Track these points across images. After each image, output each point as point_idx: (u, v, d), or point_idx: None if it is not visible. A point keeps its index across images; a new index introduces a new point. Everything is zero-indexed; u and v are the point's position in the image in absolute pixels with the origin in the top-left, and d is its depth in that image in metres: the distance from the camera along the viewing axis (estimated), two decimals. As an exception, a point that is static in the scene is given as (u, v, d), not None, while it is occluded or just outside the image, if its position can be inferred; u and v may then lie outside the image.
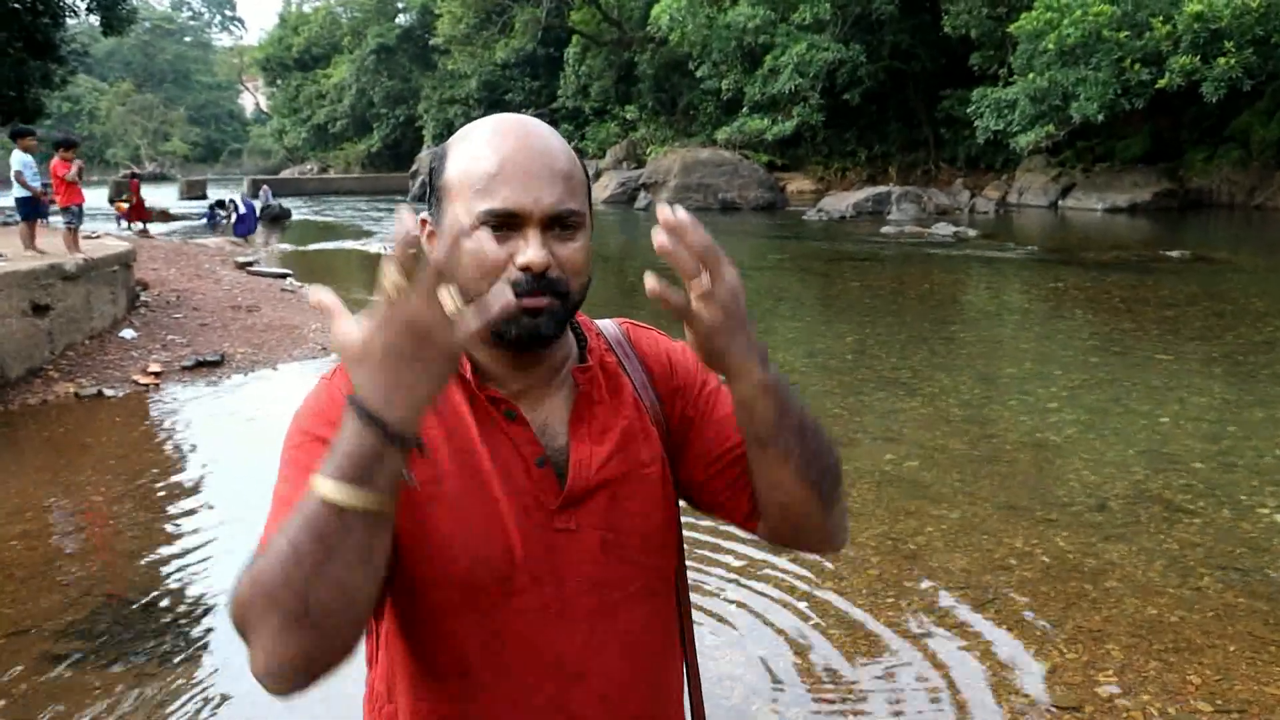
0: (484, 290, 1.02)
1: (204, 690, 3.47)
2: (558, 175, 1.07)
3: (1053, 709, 3.19)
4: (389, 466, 0.87)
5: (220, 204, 25.21)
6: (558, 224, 1.07)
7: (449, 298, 0.84)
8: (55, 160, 11.20)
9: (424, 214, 1.15)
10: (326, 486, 0.86)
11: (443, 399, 1.10)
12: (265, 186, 27.15)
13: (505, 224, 1.05)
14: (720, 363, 1.02)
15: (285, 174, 63.14)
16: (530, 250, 1.04)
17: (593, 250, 1.14)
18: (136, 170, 25.56)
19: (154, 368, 8.60)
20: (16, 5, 17.96)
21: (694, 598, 1.24)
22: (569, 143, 1.14)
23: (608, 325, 1.26)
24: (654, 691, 1.18)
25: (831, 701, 3.30)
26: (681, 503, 1.24)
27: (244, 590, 0.90)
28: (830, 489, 1.12)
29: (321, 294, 0.89)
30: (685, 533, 1.25)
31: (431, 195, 1.13)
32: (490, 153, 1.07)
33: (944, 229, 20.82)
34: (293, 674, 0.91)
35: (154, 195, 40.03)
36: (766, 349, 1.04)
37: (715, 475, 1.19)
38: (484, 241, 1.05)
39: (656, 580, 1.17)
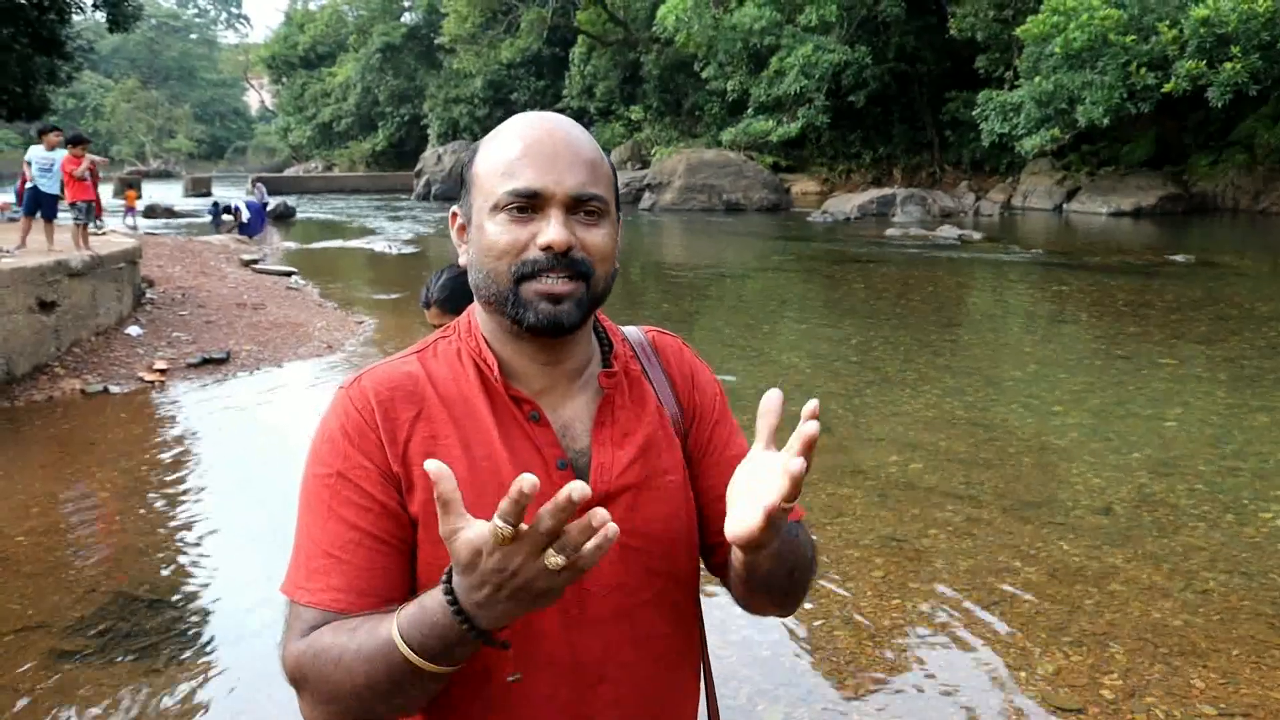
0: (502, 270, 1.07)
1: (211, 685, 3.48)
2: (581, 161, 1.08)
3: (1057, 711, 3.19)
4: (467, 650, 0.94)
5: (226, 209, 25.16)
6: (581, 208, 1.08)
7: (553, 556, 0.86)
8: (65, 157, 11.22)
9: (454, 207, 1.18)
10: (410, 653, 0.93)
11: (462, 403, 1.11)
12: (260, 184, 27.07)
13: (528, 205, 1.06)
14: (766, 534, 0.94)
15: (290, 172, 63.19)
16: (551, 229, 1.05)
17: (618, 245, 1.15)
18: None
19: (160, 365, 8.62)
20: (23, 1, 17.98)
21: (700, 598, 1.24)
22: None
23: (632, 332, 1.27)
24: (671, 696, 1.19)
25: (836, 702, 3.31)
26: None
27: (307, 668, 1.01)
28: (794, 605, 1.21)
29: (440, 475, 0.89)
30: None
31: (463, 189, 1.16)
32: (515, 139, 1.09)
33: (948, 231, 20.82)
34: None
35: (159, 192, 40.17)
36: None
37: (710, 521, 1.21)
38: (505, 222, 1.07)
39: (675, 586, 1.17)
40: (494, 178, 1.09)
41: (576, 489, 0.82)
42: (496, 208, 1.08)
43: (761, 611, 1.23)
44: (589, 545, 0.85)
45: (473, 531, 0.87)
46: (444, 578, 0.92)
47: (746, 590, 1.15)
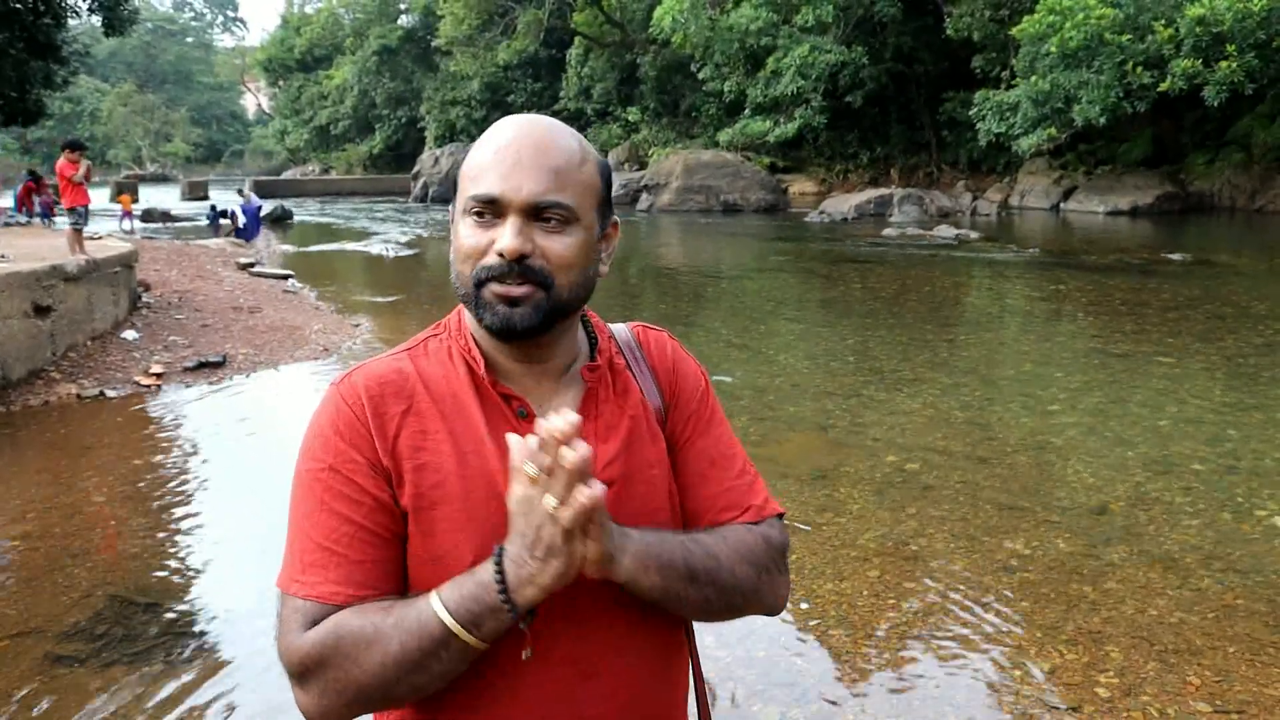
0: (466, 273, 1.11)
1: (206, 689, 3.48)
2: (546, 168, 1.09)
3: (1053, 709, 3.20)
4: (500, 625, 1.01)
5: (223, 214, 25.27)
6: (540, 215, 1.08)
7: (549, 498, 0.96)
8: (62, 161, 11.25)
9: (450, 207, 1.20)
10: (446, 617, 1.00)
11: (451, 399, 1.13)
12: (248, 192, 27.20)
13: (487, 210, 1.08)
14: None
15: (287, 175, 63.21)
16: (505, 236, 1.07)
17: (596, 251, 1.15)
18: (33, 170, 25.80)
19: (156, 369, 8.61)
20: (18, 5, 17.98)
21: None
22: None
23: (619, 328, 1.29)
24: (662, 689, 1.19)
25: (831, 702, 3.31)
26: None
27: (327, 653, 1.02)
28: (730, 613, 1.19)
29: (513, 446, 1.00)
30: None
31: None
32: (490, 144, 1.11)
33: (946, 231, 20.84)
34: None
35: (156, 196, 40.18)
36: (632, 544, 1.06)
37: (685, 509, 1.22)
38: (471, 226, 1.10)
39: None
40: (465, 181, 1.12)
41: (553, 427, 0.95)
42: (465, 211, 1.10)
43: (703, 620, 1.21)
44: (558, 479, 0.95)
45: (521, 490, 0.99)
46: (498, 547, 1.02)
47: (671, 610, 1.14)
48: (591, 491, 0.95)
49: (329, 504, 1.07)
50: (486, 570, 1.01)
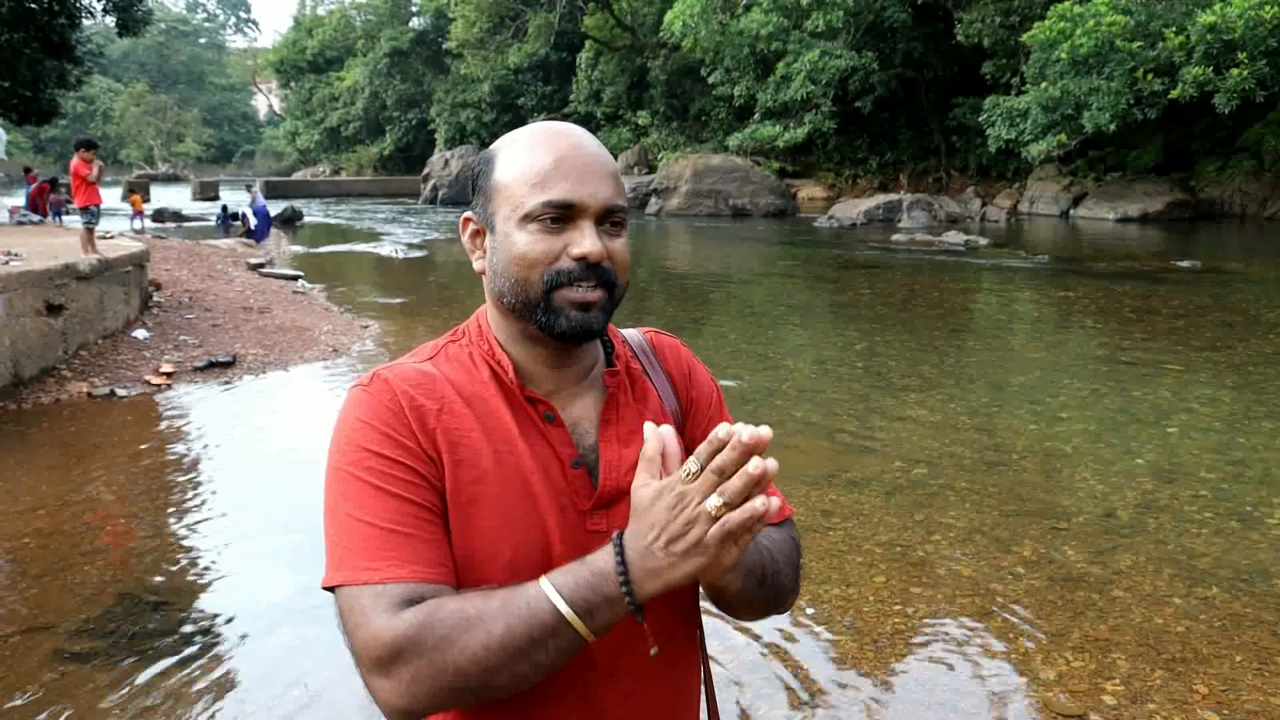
0: (535, 280, 1.10)
1: (214, 686, 3.49)
2: (608, 174, 1.13)
3: (1059, 717, 3.19)
4: (614, 616, 0.98)
5: (234, 215, 25.44)
6: (608, 219, 1.12)
7: (715, 498, 0.93)
8: (75, 160, 11.30)
9: (468, 213, 1.20)
10: (560, 603, 0.97)
11: (481, 402, 1.14)
12: (255, 189, 27.31)
13: (562, 216, 1.10)
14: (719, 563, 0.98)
15: (297, 176, 63.38)
16: (587, 240, 1.09)
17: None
18: (28, 166, 26.14)
19: (166, 368, 8.65)
20: (33, 5, 18.07)
21: (699, 598, 1.26)
22: None
23: (631, 333, 1.31)
24: (676, 693, 1.21)
25: (837, 707, 3.31)
26: None
27: (424, 635, 0.97)
28: (777, 609, 1.21)
29: (651, 435, 1.02)
30: None
31: (478, 196, 1.18)
32: (544, 152, 1.12)
33: (955, 237, 20.81)
34: (426, 716, 1.02)
35: (167, 196, 40.33)
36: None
37: None
38: (537, 232, 1.10)
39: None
40: (523, 188, 1.11)
41: (747, 432, 0.90)
42: (528, 218, 1.10)
43: (743, 619, 1.22)
44: (735, 482, 0.90)
45: (658, 481, 0.98)
46: (615, 535, 0.99)
47: (722, 604, 1.17)
48: (770, 503, 0.92)
49: (383, 488, 1.06)
50: (604, 559, 0.98)
